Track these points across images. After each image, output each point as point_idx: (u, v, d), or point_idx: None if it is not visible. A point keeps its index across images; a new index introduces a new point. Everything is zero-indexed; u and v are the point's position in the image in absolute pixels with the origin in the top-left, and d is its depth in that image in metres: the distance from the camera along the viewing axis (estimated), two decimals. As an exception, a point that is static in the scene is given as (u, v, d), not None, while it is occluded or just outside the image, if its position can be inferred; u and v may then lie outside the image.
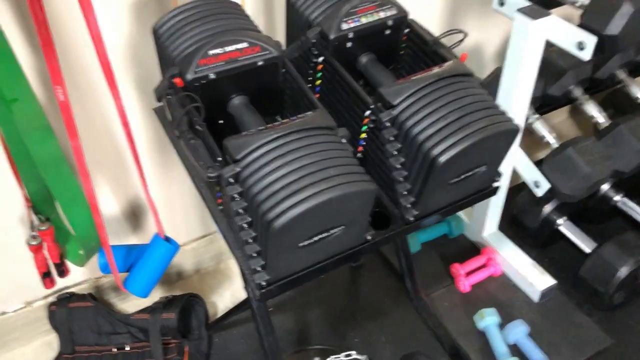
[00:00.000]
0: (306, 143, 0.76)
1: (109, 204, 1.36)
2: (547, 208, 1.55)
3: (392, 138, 0.86)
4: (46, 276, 1.21)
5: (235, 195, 0.77)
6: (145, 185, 1.11)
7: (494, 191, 0.98)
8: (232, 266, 1.65)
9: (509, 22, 1.23)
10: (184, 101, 0.85)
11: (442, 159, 0.80)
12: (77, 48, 1.08)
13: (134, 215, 1.42)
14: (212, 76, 0.86)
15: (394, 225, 0.91)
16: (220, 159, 0.80)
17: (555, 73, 1.49)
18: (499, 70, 1.46)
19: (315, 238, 0.78)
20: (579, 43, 1.14)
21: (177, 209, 1.49)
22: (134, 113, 1.23)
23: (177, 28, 0.91)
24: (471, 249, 1.64)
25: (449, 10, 1.56)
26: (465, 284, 1.52)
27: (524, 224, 1.60)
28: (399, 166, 0.87)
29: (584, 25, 1.16)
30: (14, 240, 1.24)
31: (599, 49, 1.14)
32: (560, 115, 2.05)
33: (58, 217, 1.18)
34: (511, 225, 1.64)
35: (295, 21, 1.02)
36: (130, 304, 1.52)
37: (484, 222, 1.58)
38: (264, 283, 0.81)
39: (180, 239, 1.55)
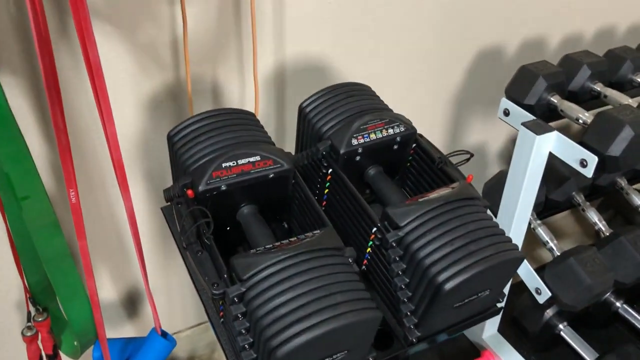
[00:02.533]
0: (313, 265, 0.77)
1: (107, 290, 1.35)
2: (549, 313, 1.54)
3: (397, 258, 0.86)
4: (38, 367, 1.19)
5: (239, 315, 0.76)
6: (147, 281, 1.11)
7: (497, 311, 0.98)
8: (227, 356, 1.62)
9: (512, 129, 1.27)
10: (195, 212, 0.86)
11: (448, 286, 0.80)
12: (92, 146, 1.10)
13: (131, 303, 1.41)
14: (223, 188, 0.88)
15: (396, 346, 0.90)
16: (225, 275, 0.80)
17: (557, 179, 1.52)
18: (502, 174, 1.49)
19: (317, 363, 0.77)
20: (582, 161, 1.17)
21: (175, 296, 1.48)
22: (141, 203, 1.24)
23: (192, 137, 0.93)
24: (471, 349, 1.61)
25: (455, 112, 1.61)
26: (463, 389, 1.49)
27: (524, 327, 1.58)
28: (403, 286, 0.87)
29: (585, 143, 1.19)
30: (8, 326, 1.22)
31: (600, 168, 1.17)
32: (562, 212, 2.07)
33: (56, 307, 1.17)
34: (511, 326, 1.62)
35: (307, 131, 1.05)
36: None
37: (484, 323, 1.56)
38: (262, 405, 0.79)
39: (176, 325, 1.54)
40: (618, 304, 1.63)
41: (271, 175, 0.91)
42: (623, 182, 1.60)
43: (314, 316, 0.72)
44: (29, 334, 1.13)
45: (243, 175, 0.89)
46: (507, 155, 1.81)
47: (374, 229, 0.89)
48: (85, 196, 1.12)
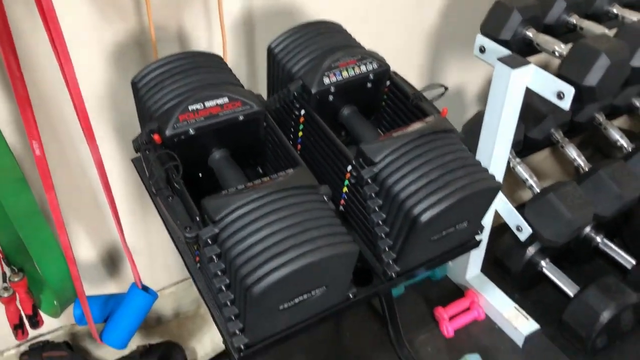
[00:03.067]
0: (287, 203, 0.75)
1: (85, 250, 1.33)
2: (530, 250, 1.55)
3: (373, 194, 0.85)
4: (18, 328, 1.17)
5: (214, 257, 0.75)
6: (122, 235, 1.09)
7: (476, 244, 0.97)
8: (213, 310, 1.62)
9: (490, 66, 1.25)
10: (163, 157, 0.84)
11: (424, 218, 0.79)
12: (55, 97, 1.06)
13: (112, 262, 1.39)
14: (191, 132, 0.85)
15: (376, 281, 0.90)
16: (198, 217, 0.78)
17: (535, 117, 1.51)
18: (480, 114, 1.48)
19: (296, 300, 0.77)
20: (558, 93, 1.15)
21: (156, 253, 1.46)
22: (112, 160, 1.21)
23: (157, 82, 0.90)
24: (455, 291, 1.63)
25: (431, 53, 1.58)
26: (449, 329, 1.50)
27: (507, 266, 1.59)
28: (380, 222, 0.86)
29: (562, 75, 1.17)
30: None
31: (577, 99, 1.15)
32: (541, 154, 2.06)
33: (33, 267, 1.15)
34: (494, 267, 1.64)
35: (277, 73, 1.02)
36: (108, 351, 1.47)
37: (467, 264, 1.57)
38: (242, 346, 0.79)
39: (160, 283, 1.52)
40: (598, 239, 1.64)
41: (241, 118, 0.88)
42: (601, 118, 1.60)
43: (288, 252, 0.71)
44: (5, 295, 1.11)
45: (211, 118, 0.86)
46: (484, 96, 1.78)
47: (349, 167, 0.88)
48: (52, 151, 1.09)
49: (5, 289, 1.11)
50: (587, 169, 1.47)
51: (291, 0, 1.25)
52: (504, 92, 1.22)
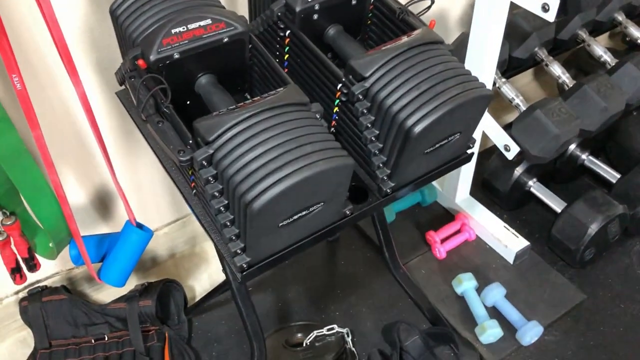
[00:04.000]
0: (280, 120, 0.75)
1: (75, 193, 1.31)
2: (518, 171, 1.57)
3: (365, 110, 0.85)
4: (15, 272, 1.17)
5: (210, 178, 0.75)
6: (113, 172, 1.08)
7: (468, 158, 0.98)
8: (208, 248, 1.63)
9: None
10: (149, 83, 0.82)
11: (417, 128, 0.79)
12: (32, 33, 1.02)
13: (103, 204, 1.38)
14: (176, 56, 0.83)
15: (371, 198, 0.91)
16: (191, 141, 0.77)
17: (519, 36, 1.50)
18: (464, 36, 1.46)
19: (295, 217, 0.77)
20: (543, 5, 1.14)
21: (147, 194, 1.45)
22: (95, 98, 1.18)
23: (137, 7, 0.87)
24: (445, 215, 1.65)
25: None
26: (441, 251, 1.53)
27: (496, 187, 1.62)
28: (373, 139, 0.86)
29: (547, -14, 1.15)
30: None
31: (562, 10, 1.14)
32: (525, 78, 2.06)
33: (25, 211, 1.14)
34: (482, 189, 1.66)
35: (258, -6, 0.99)
36: (106, 294, 1.49)
37: (456, 188, 1.59)
38: (244, 265, 0.80)
39: (153, 224, 1.52)
40: (584, 157, 1.67)
41: (225, 40, 0.86)
42: (584, 34, 1.59)
43: (286, 167, 0.70)
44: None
45: (195, 40, 0.84)
46: (467, 20, 1.76)
47: (339, 85, 0.87)
48: (32, 89, 1.06)
49: (-1, 232, 1.11)
50: (571, 85, 1.47)
51: None
52: (489, 8, 1.20)
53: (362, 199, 0.91)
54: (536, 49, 1.51)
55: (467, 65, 1.33)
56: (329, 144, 0.75)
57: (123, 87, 1.01)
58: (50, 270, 1.42)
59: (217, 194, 0.75)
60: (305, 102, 0.79)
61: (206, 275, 1.57)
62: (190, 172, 0.83)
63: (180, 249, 1.62)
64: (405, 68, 0.83)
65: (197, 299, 1.49)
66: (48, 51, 1.05)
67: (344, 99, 0.87)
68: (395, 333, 1.30)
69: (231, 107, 0.76)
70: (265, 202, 0.69)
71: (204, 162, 0.74)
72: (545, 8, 1.14)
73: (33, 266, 1.18)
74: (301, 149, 0.73)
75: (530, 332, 1.33)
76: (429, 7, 0.97)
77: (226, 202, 0.76)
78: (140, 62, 0.81)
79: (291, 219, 0.77)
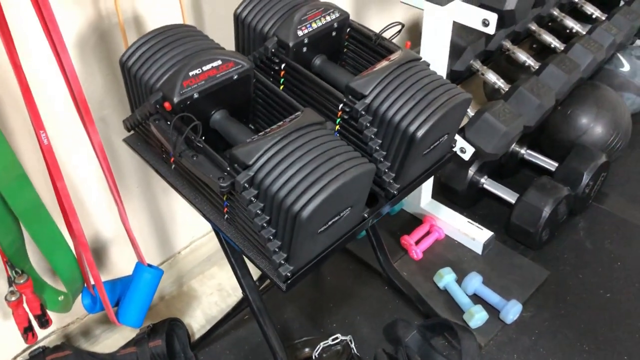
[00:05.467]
0: (308, 139, 0.85)
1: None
2: (471, 170, 1.74)
3: (368, 124, 0.96)
4: (28, 331, 1.17)
5: (252, 199, 0.83)
6: (126, 216, 1.12)
7: (453, 155, 1.12)
8: (196, 286, 1.67)
9: (408, 9, 1.38)
10: (175, 124, 0.89)
11: (420, 133, 0.92)
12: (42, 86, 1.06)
13: (95, 252, 1.40)
14: (196, 95, 0.91)
15: (381, 201, 1.02)
16: (229, 169, 0.85)
17: (456, 51, 1.68)
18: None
19: (330, 222, 0.87)
20: (484, 20, 1.32)
21: (136, 237, 1.48)
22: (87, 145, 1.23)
23: (148, 56, 0.95)
24: (413, 220, 1.79)
25: (353, 5, 1.70)
26: (417, 252, 1.66)
27: (453, 188, 1.77)
28: (377, 148, 0.98)
29: (484, 4, 1.34)
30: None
31: (500, 23, 1.33)
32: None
33: (32, 268, 1.15)
34: (442, 192, 1.81)
35: (248, 35, 1.09)
36: (102, 345, 1.49)
37: (420, 194, 1.73)
38: (288, 274, 0.88)
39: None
40: (523, 151, 1.87)
41: (235, 77, 0.95)
42: (508, 44, 1.80)
43: (324, 177, 0.80)
44: (13, 298, 1.11)
45: (210, 80, 0.93)
46: (404, 38, 1.94)
47: (340, 105, 0.98)
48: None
49: (12, 292, 1.11)
50: (507, 89, 1.67)
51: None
52: (436, 27, 1.37)
53: (372, 202, 1.01)
54: (472, 61, 1.70)
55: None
56: (352, 154, 0.86)
57: (131, 133, 1.07)
58: (45, 330, 1.41)
59: (259, 211, 0.84)
60: (322, 121, 0.89)
61: (199, 312, 1.61)
62: (225, 198, 0.91)
63: (169, 290, 1.65)
64: (399, 83, 0.96)
65: (197, 335, 1.52)
66: (56, 105, 1.10)
67: (346, 116, 0.99)
68: (396, 330, 1.40)
69: (261, 133, 0.85)
70: (312, 210, 0.78)
71: (245, 185, 0.82)
72: (485, 23, 1.32)
73: (45, 322, 1.19)
74: (332, 161, 0.83)
75: (512, 310, 1.47)
76: (399, 31, 1.11)
77: (268, 218, 0.84)
78: (167, 104, 0.88)
79: (327, 225, 0.86)
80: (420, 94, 0.95)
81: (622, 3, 2.08)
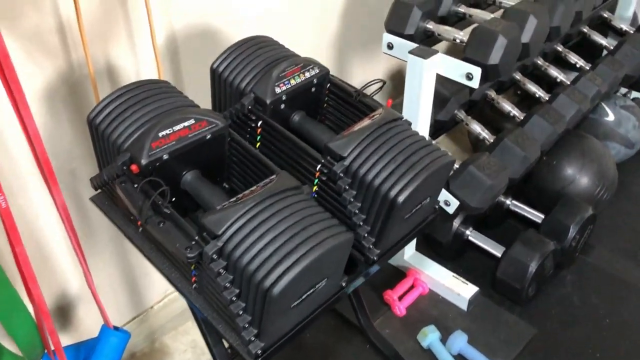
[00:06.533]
0: (282, 206, 0.80)
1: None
2: (456, 222, 1.70)
3: (347, 187, 0.92)
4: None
5: (221, 270, 0.77)
6: (90, 276, 1.06)
7: (436, 216, 1.07)
8: (169, 342, 1.59)
9: (390, 59, 1.36)
10: (143, 187, 0.84)
11: (401, 198, 0.87)
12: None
13: (60, 311, 1.33)
14: (165, 157, 0.87)
15: (360, 267, 0.96)
16: (197, 237, 0.80)
17: (440, 101, 1.66)
18: (395, 105, 1.60)
19: (304, 296, 0.81)
20: (467, 74, 1.29)
21: (105, 294, 1.41)
22: (52, 205, 1.17)
23: (117, 114, 0.90)
24: (397, 273, 1.73)
25: (338, 56, 1.68)
26: (400, 308, 1.60)
27: (438, 240, 1.73)
28: (357, 211, 0.93)
29: (467, 58, 1.31)
30: None
31: (484, 77, 1.30)
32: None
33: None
34: (426, 243, 1.77)
35: (224, 91, 1.05)
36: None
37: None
38: (259, 351, 0.82)
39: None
40: (508, 202, 1.83)
41: (208, 136, 0.91)
42: (493, 94, 1.78)
43: (299, 249, 0.75)
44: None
45: (182, 140, 0.88)
46: (389, 88, 1.93)
47: (318, 165, 0.94)
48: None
49: (-34, 360, 1.04)
50: (492, 140, 1.64)
51: (206, 22, 1.28)
52: (420, 80, 1.34)
53: (351, 268, 0.96)
54: (456, 111, 1.68)
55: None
56: (329, 222, 0.81)
57: (98, 191, 1.02)
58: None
59: (228, 284, 0.78)
60: (298, 186, 0.85)
61: (172, 369, 1.53)
62: (192, 267, 0.85)
63: (141, 347, 1.57)
64: (379, 144, 0.92)
65: (168, 396, 1.44)
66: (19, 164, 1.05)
67: (324, 178, 0.94)
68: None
69: (233, 200, 0.80)
70: (284, 286, 0.73)
71: (214, 256, 0.77)
72: (469, 77, 1.30)
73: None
74: (307, 230, 0.78)
75: (499, 372, 1.41)
76: (381, 88, 1.08)
77: (237, 291, 0.78)
78: (134, 167, 0.84)
79: (301, 299, 0.81)
80: (402, 157, 0.91)
81: (604, 52, 2.09)
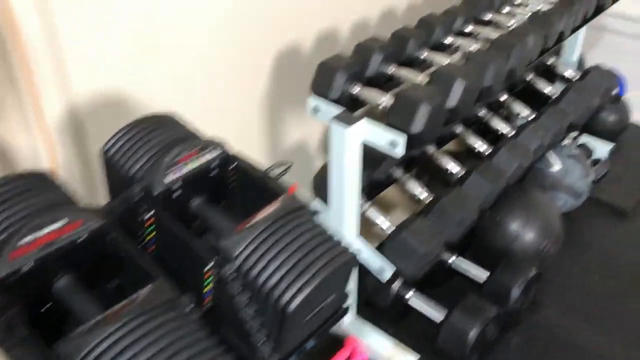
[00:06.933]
0: (146, 330, 0.71)
1: None
2: (395, 285, 1.62)
3: (239, 290, 0.84)
4: None
5: None
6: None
7: (345, 312, 0.99)
8: None
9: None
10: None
11: (292, 305, 0.79)
12: None
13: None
14: (25, 269, 0.77)
15: (258, 376, 0.88)
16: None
17: (376, 159, 1.59)
18: (327, 165, 1.53)
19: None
20: (391, 142, 1.23)
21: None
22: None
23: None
24: (335, 341, 1.64)
25: (270, 116, 1.61)
26: (337, 383, 1.51)
27: (377, 303, 1.65)
28: (252, 315, 0.85)
29: (390, 124, 1.25)
30: None
31: (409, 145, 1.24)
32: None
33: None
34: (366, 307, 1.68)
35: (115, 177, 0.97)
36: None
37: (342, 312, 1.60)
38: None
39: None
40: (451, 260, 1.76)
41: (82, 238, 0.82)
42: (432, 149, 1.73)
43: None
44: None
45: (48, 246, 0.79)
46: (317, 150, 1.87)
47: (208, 266, 0.85)
48: None
49: None
50: (430, 198, 1.57)
51: (117, 92, 1.20)
52: (343, 147, 1.27)
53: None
54: (392, 169, 1.62)
55: (331, 195, 1.37)
56: (202, 344, 0.73)
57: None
58: None
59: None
60: (173, 298, 0.76)
61: None
62: None
63: None
64: (274, 241, 0.84)
65: None
66: None
67: (216, 279, 0.86)
68: None
69: (96, 320, 0.71)
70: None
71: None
72: (393, 145, 1.23)
73: None
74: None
75: None
76: (287, 169, 1.01)
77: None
78: (-15, 282, 0.74)
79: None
80: (297, 256, 0.83)
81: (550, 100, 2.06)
